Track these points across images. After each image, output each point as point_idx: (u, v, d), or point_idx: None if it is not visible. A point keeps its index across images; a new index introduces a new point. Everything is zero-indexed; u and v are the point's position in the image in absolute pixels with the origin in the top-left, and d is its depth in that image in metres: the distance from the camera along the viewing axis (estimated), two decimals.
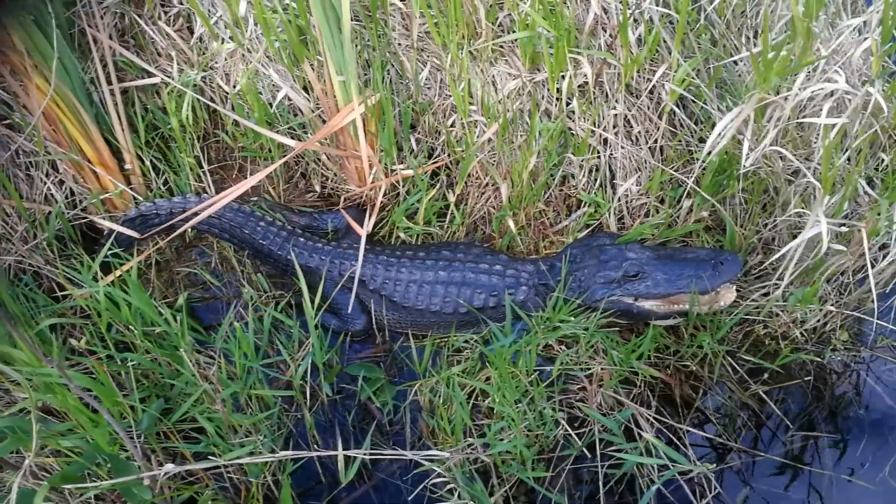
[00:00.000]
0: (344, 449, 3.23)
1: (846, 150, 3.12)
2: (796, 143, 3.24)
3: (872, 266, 3.12)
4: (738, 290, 3.40)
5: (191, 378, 2.97)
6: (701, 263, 3.19)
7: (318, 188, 4.09)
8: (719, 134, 3.03)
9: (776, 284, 3.35)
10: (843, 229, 3.06)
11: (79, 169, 3.75)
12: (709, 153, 3.29)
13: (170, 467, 2.53)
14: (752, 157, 3.00)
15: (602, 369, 3.31)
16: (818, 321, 3.45)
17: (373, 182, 3.81)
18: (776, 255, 3.12)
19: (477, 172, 3.84)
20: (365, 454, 2.78)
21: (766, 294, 3.46)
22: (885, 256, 3.26)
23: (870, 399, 3.40)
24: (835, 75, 2.92)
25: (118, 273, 3.29)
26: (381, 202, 3.85)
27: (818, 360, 3.46)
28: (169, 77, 3.85)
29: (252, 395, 3.16)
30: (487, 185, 3.85)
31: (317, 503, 3.18)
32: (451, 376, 3.21)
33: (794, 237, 3.13)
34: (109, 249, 3.47)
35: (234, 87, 3.91)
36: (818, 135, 3.15)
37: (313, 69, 3.66)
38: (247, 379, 3.11)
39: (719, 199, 3.49)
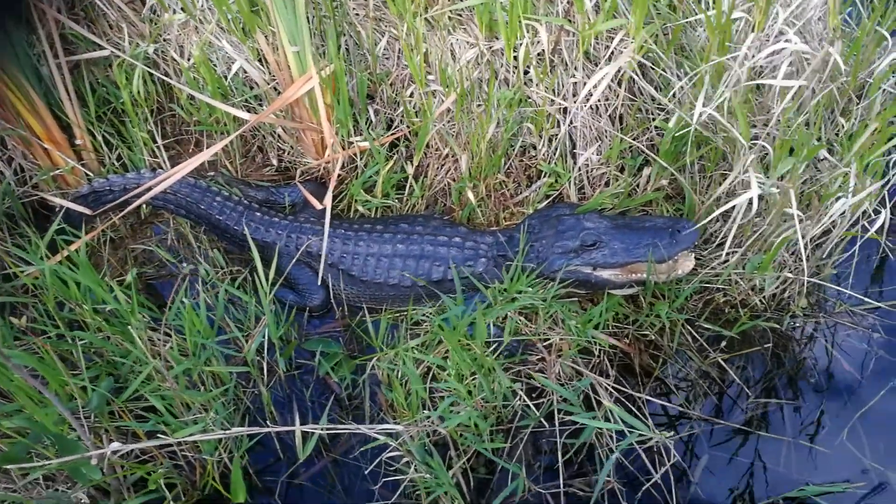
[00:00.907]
0: (302, 424, 3.21)
1: (805, 113, 3.09)
2: (754, 107, 3.21)
3: (831, 230, 3.11)
4: (697, 258, 3.38)
5: (142, 356, 2.91)
6: (658, 232, 3.17)
7: (275, 162, 4.03)
8: (673, 95, 2.99)
9: (734, 252, 3.33)
10: (773, 190, 3.02)
11: (27, 145, 3.66)
12: (666, 120, 3.25)
13: (115, 446, 2.48)
14: (696, 117, 2.97)
15: (561, 339, 3.29)
16: (777, 288, 3.44)
17: (330, 155, 3.75)
18: (710, 216, 3.07)
19: (436, 144, 3.79)
20: (319, 429, 2.74)
21: (725, 262, 3.44)
22: (841, 221, 3.25)
23: (828, 365, 3.40)
24: (791, 37, 2.88)
25: (65, 252, 3.21)
26: (340, 175, 3.80)
27: (777, 327, 3.46)
28: (120, 50, 3.76)
29: (207, 372, 3.11)
30: (447, 156, 3.80)
31: (275, 479, 3.15)
32: (407, 350, 3.17)
33: (751, 203, 3.10)
34: (60, 227, 3.40)
35: (188, 59, 3.83)
36: (776, 99, 3.12)
37: (267, 41, 3.58)
38: (201, 355, 3.06)
39: (678, 168, 3.45)
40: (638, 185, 3.63)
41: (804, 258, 3.06)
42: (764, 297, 3.44)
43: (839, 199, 3.05)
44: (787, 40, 2.99)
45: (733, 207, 3.12)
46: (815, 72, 3.02)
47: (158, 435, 2.87)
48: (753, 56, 2.93)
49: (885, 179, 3.07)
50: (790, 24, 3.09)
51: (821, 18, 3.25)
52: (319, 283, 3.52)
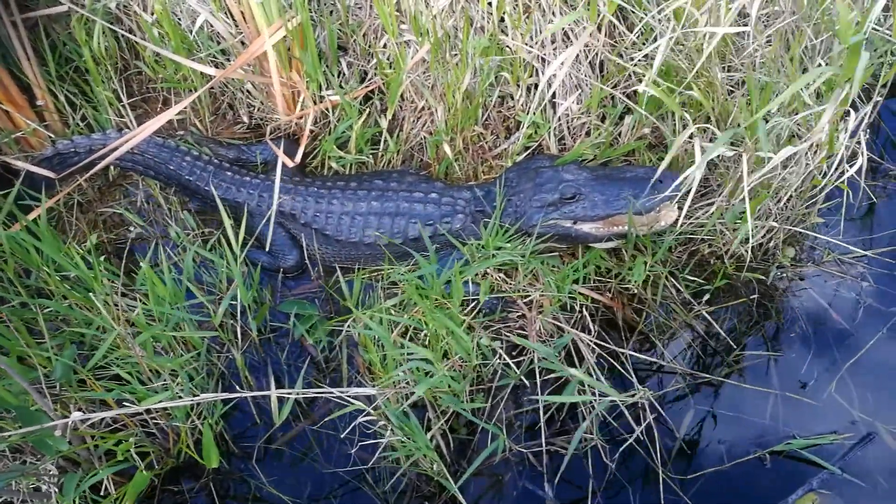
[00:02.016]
0: (278, 388, 3.15)
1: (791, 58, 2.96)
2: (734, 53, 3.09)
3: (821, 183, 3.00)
4: (680, 209, 3.28)
5: (108, 323, 2.82)
6: (639, 182, 3.07)
7: (246, 119, 3.90)
8: (654, 39, 2.86)
9: (714, 201, 3.23)
10: (729, 149, 2.91)
11: None
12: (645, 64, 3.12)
13: (77, 415, 2.41)
14: (661, 55, 2.85)
15: (541, 296, 3.20)
16: (763, 238, 3.35)
17: (301, 110, 3.62)
18: (688, 171, 2.95)
19: (411, 96, 3.66)
20: (289, 394, 2.67)
21: (708, 212, 3.34)
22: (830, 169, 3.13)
23: (817, 316, 3.33)
24: None
25: (24, 222, 3.10)
26: (312, 131, 3.69)
27: (763, 278, 3.37)
28: (80, 6, 3.60)
29: (179, 338, 3.03)
30: (423, 109, 3.68)
31: (252, 444, 3.09)
32: (381, 311, 3.09)
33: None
34: (25, 191, 3.29)
35: (151, 14, 3.67)
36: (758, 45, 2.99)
37: None
38: (170, 321, 2.98)
39: (660, 115, 3.33)
40: (620, 135, 3.51)
41: (744, 202, 2.93)
42: (750, 247, 3.34)
43: (792, 139, 2.94)
44: None
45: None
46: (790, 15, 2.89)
47: (125, 403, 2.79)
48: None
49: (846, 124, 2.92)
50: None
51: None
52: (292, 243, 3.43)
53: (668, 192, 3.00)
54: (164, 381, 2.93)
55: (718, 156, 3.00)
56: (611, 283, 3.34)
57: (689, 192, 2.93)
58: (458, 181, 3.66)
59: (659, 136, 3.51)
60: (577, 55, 3.53)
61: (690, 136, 3.05)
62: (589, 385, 2.91)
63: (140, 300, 3.13)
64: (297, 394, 2.74)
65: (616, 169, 3.21)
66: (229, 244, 3.17)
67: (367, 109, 3.70)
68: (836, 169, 3.04)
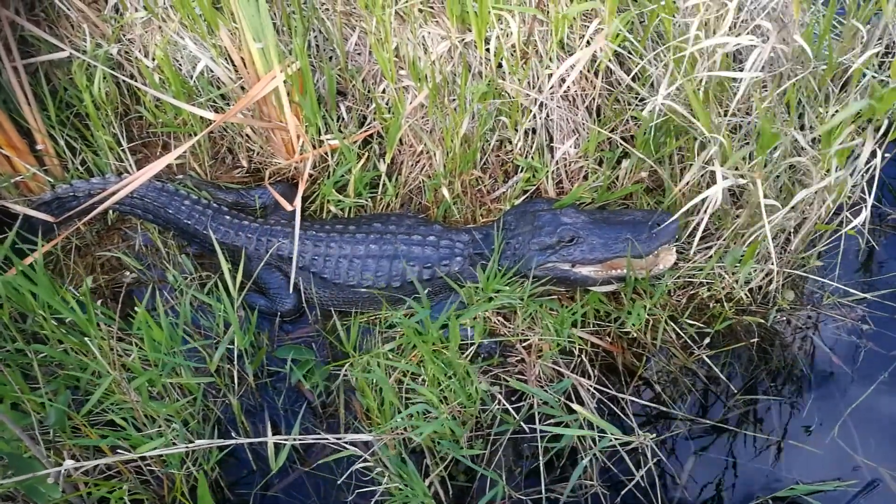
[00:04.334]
0: (275, 434, 3.12)
1: (768, 101, 2.98)
2: (721, 96, 3.12)
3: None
4: (679, 252, 3.28)
5: (103, 368, 2.80)
6: (637, 226, 3.08)
7: (245, 163, 3.92)
8: (651, 84, 2.89)
9: (714, 244, 3.24)
10: (741, 181, 2.92)
11: None
12: (642, 110, 3.14)
13: (70, 463, 2.38)
14: (658, 103, 2.88)
15: (540, 340, 3.19)
16: (762, 281, 3.34)
17: (300, 154, 3.64)
18: (685, 209, 2.96)
19: (409, 140, 3.69)
20: (285, 440, 2.64)
21: (708, 256, 3.34)
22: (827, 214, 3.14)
23: (817, 359, 3.30)
24: (762, 23, 2.77)
25: (26, 262, 3.09)
26: (311, 175, 3.70)
27: (763, 321, 3.36)
28: (81, 52, 3.64)
29: (174, 384, 3.01)
30: (421, 153, 3.70)
31: (248, 491, 3.05)
32: (379, 356, 3.07)
33: (734, 195, 3.00)
34: (21, 236, 3.30)
35: (153, 60, 3.71)
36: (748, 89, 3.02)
37: (232, 38, 3.47)
38: (166, 366, 2.95)
39: (657, 159, 3.35)
40: (617, 178, 3.53)
41: (771, 250, 2.95)
42: (749, 290, 3.34)
43: (805, 187, 2.95)
44: (756, 26, 2.90)
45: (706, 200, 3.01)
46: (786, 61, 2.91)
47: (119, 450, 2.76)
48: (712, 47, 2.82)
49: (854, 167, 2.93)
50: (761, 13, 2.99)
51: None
52: (288, 287, 3.43)
53: (666, 235, 3.01)
54: (160, 426, 2.89)
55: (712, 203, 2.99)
56: (610, 327, 3.33)
57: (698, 226, 2.93)
58: (456, 224, 3.66)
59: (656, 179, 3.52)
60: (574, 99, 3.56)
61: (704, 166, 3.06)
62: (588, 421, 2.88)
63: (136, 345, 3.11)
64: (294, 440, 2.71)
65: (614, 212, 3.22)
66: (227, 288, 3.16)
67: (366, 153, 3.72)
68: (838, 213, 3.05)
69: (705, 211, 2.85)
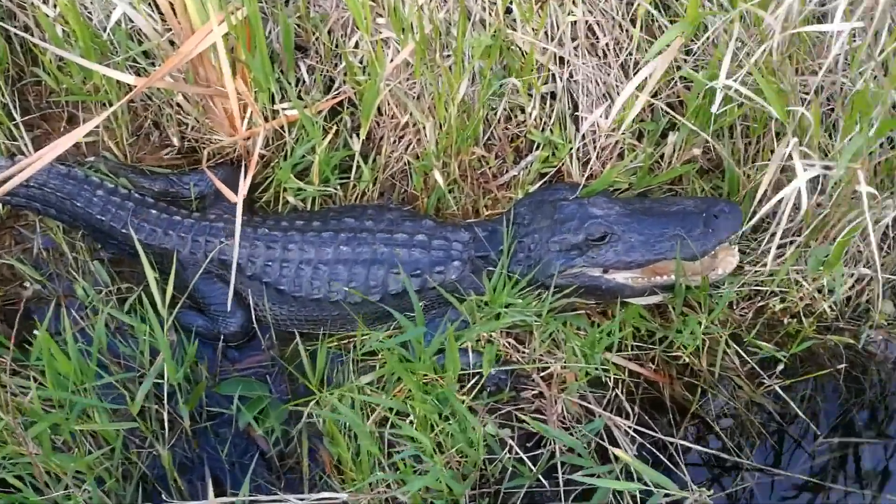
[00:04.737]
0: (218, 494, 3.10)
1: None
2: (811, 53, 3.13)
3: None
4: (742, 252, 3.29)
5: None
6: (689, 218, 3.08)
7: (176, 141, 3.91)
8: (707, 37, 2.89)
9: (791, 242, 3.25)
10: (828, 172, 2.93)
11: None
12: (696, 69, 3.15)
13: None
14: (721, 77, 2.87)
15: (563, 368, 3.19)
16: (852, 290, 3.35)
17: (248, 129, 3.63)
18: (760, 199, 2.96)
19: (391, 110, 3.68)
20: (231, 502, 2.63)
21: (781, 257, 3.34)
22: None
23: None
24: None
25: None
26: (263, 156, 3.71)
27: (853, 342, 3.36)
28: None
29: (85, 431, 3.00)
30: (406, 126, 3.70)
31: None
32: (354, 391, 3.06)
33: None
34: None
35: (55, 7, 3.69)
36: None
37: None
38: (74, 407, 2.93)
39: (715, 132, 3.35)
40: (662, 157, 3.53)
41: (874, 250, 2.95)
42: (835, 302, 3.33)
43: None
44: None
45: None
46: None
47: None
48: None
49: None
50: None
51: None
52: (236, 302, 3.42)
53: (727, 230, 3.02)
54: (66, 487, 2.87)
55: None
56: (654, 350, 3.33)
57: (771, 216, 2.94)
58: (453, 218, 3.67)
59: (713, 157, 3.53)
60: (605, 53, 3.57)
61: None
62: (628, 471, 2.88)
63: (36, 380, 3.08)
64: (244, 501, 2.71)
65: (659, 201, 3.23)
66: (153, 304, 3.14)
67: (335, 127, 3.71)
68: None
69: (785, 204, 2.85)
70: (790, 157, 2.97)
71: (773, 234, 3.15)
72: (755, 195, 3.24)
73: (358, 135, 3.65)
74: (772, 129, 3.27)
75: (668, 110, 3.40)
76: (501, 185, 3.70)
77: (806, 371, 3.34)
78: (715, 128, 3.35)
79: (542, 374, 3.22)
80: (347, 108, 3.77)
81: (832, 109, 3.23)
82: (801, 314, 3.37)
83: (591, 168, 3.63)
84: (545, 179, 3.66)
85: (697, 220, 3.06)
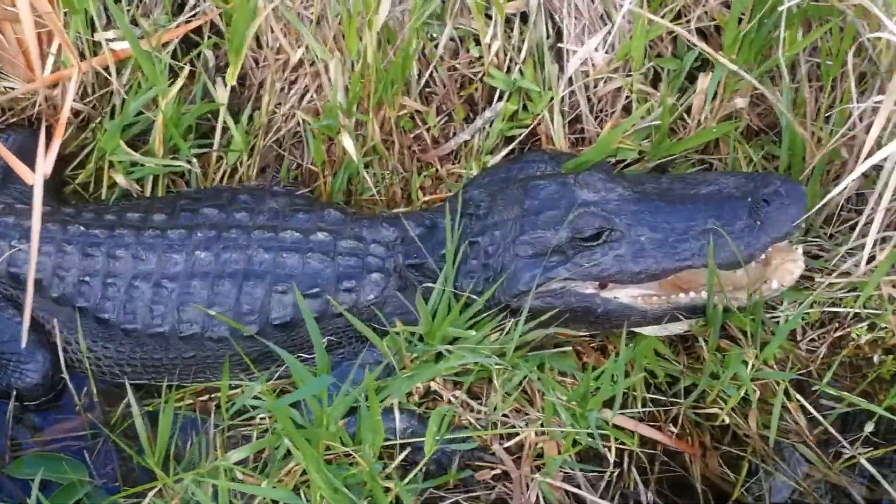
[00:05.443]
0: None
1: None
2: None
3: None
4: (809, 257, 3.36)
5: None
6: (727, 204, 3.12)
7: None
8: None
9: (885, 240, 3.32)
10: None
11: None
12: None
13: None
14: None
15: (540, 434, 3.24)
16: None
17: (55, 72, 3.67)
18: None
19: (275, 41, 3.71)
20: None
21: (872, 262, 3.41)
22: None
23: None
24: None
25: None
26: (77, 113, 3.74)
27: None
28: None
29: None
30: (300, 65, 3.74)
31: None
32: (219, 474, 3.10)
33: None
34: None
35: None
36: None
37: None
38: None
39: (765, 72, 3.42)
40: (689, 112, 3.60)
41: None
42: None
43: None
44: None
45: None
46: None
47: None
48: None
49: None
50: None
51: None
52: (35, 339, 3.44)
53: (784, 224, 3.07)
54: None
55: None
56: (678, 406, 3.39)
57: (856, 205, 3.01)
58: (371, 208, 3.73)
59: (764, 111, 3.60)
60: None
61: None
62: None
63: None
64: None
65: (683, 179, 3.28)
66: None
67: (189, 69, 3.75)
68: None
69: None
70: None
71: (866, 227, 3.20)
72: (828, 168, 3.30)
73: (225, 80, 3.69)
74: (850, 68, 3.31)
75: (698, 43, 3.45)
76: (446, 157, 3.77)
77: None
78: (768, 66, 3.42)
79: (506, 443, 3.26)
80: (209, 38, 3.81)
81: None
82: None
83: (582, 128, 3.69)
84: (512, 147, 3.72)
85: (741, 208, 3.10)
